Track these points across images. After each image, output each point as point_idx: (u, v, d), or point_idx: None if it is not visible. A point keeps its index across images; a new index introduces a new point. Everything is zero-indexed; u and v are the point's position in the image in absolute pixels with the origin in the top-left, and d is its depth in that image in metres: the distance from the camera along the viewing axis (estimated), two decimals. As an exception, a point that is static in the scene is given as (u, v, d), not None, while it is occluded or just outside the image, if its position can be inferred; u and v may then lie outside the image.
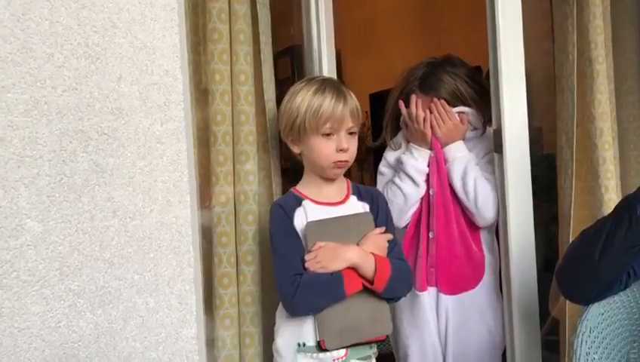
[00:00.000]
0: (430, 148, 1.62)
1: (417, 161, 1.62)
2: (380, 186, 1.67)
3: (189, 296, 1.12)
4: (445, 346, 1.61)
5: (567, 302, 1.58)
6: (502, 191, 1.57)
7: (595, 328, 1.23)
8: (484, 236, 1.64)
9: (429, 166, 1.62)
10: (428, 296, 1.61)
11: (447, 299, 1.61)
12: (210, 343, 1.44)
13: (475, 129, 1.66)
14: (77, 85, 1.02)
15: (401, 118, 1.69)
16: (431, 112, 1.60)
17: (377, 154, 1.84)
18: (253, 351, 1.48)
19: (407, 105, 1.65)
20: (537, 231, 1.60)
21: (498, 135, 1.57)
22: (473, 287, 1.62)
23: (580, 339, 1.21)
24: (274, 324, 1.41)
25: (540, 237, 1.63)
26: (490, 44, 1.58)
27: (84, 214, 1.02)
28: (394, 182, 1.63)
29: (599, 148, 1.64)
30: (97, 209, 1.03)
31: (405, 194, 1.61)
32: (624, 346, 1.26)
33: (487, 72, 1.62)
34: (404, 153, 1.66)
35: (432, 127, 1.60)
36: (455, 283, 1.61)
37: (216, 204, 1.45)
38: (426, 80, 1.63)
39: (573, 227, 1.68)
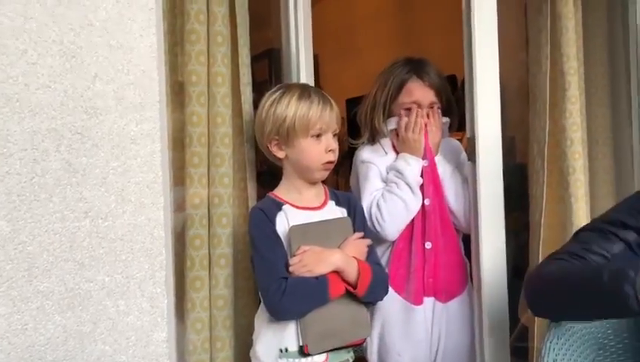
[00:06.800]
0: (422, 158, 1.60)
1: (414, 169, 1.59)
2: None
3: (160, 299, 1.11)
4: (437, 354, 1.61)
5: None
6: (474, 199, 1.59)
7: (563, 335, 1.25)
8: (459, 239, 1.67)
9: (421, 176, 1.60)
10: (423, 308, 1.60)
11: (443, 307, 1.61)
12: (181, 347, 1.43)
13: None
14: (51, 83, 1.00)
15: (387, 127, 1.65)
16: (428, 118, 1.60)
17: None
18: (224, 355, 1.47)
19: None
20: (508, 238, 1.61)
21: (472, 143, 1.59)
22: (462, 292, 1.64)
23: (548, 346, 1.22)
24: (246, 328, 1.41)
25: (510, 244, 1.66)
26: (465, 53, 1.60)
27: (54, 214, 1.00)
28: (392, 193, 1.57)
29: (569, 158, 1.68)
30: (69, 209, 1.02)
31: (409, 205, 1.56)
32: (590, 353, 1.28)
33: (463, 80, 1.64)
34: (396, 161, 1.61)
35: (426, 134, 1.59)
36: (449, 290, 1.62)
37: (189, 207, 1.44)
38: (418, 66, 1.64)
39: (543, 235, 1.71)
